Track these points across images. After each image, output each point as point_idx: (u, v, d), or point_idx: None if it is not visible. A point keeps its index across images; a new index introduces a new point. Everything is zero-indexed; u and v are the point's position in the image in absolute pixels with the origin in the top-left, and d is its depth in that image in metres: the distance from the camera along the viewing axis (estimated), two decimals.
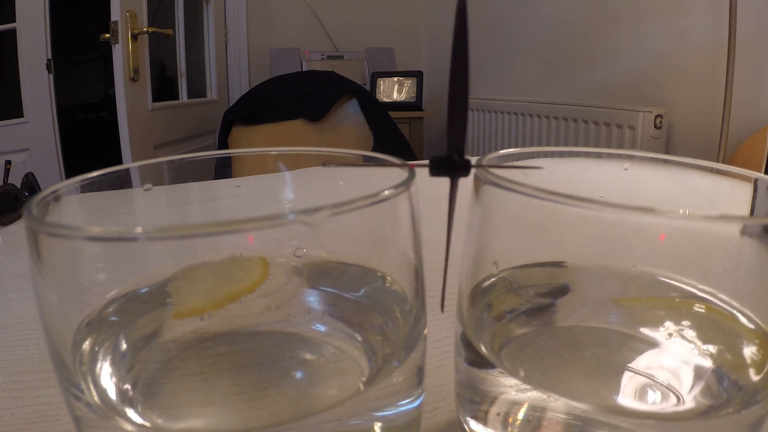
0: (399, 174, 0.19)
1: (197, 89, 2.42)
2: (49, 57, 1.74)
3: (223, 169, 0.25)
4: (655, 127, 1.61)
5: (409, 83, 2.52)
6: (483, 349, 0.20)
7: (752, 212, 0.21)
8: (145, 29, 1.82)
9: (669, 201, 0.24)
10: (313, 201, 0.15)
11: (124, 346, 0.19)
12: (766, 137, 1.29)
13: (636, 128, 1.63)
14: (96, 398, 0.17)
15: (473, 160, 0.19)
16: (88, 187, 0.19)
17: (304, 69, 2.46)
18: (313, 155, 0.24)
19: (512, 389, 0.20)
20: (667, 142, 1.65)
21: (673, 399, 0.19)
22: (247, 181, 0.26)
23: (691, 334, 0.21)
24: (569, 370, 0.21)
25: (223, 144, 1.82)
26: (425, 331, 0.20)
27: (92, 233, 0.15)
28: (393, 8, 2.91)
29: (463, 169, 0.17)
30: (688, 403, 0.19)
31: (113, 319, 0.19)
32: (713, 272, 0.21)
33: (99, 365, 0.18)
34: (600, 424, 0.18)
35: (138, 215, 0.25)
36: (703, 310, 0.21)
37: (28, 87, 1.73)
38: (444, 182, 0.18)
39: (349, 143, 1.82)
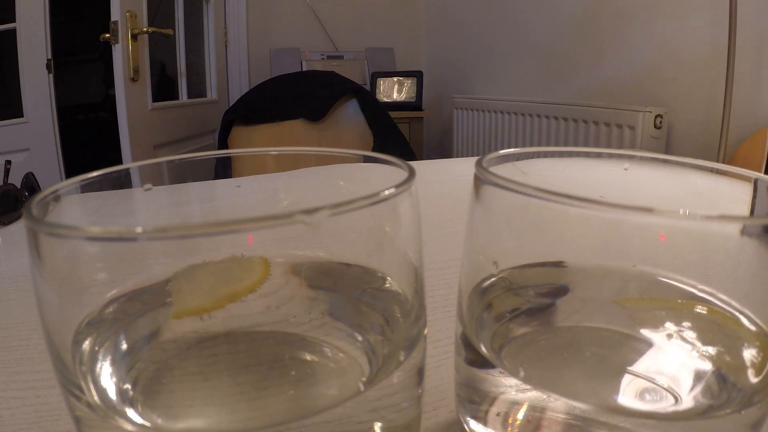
0: (399, 174, 0.19)
1: (197, 89, 2.42)
2: (49, 57, 1.74)
3: (223, 169, 0.25)
4: (655, 127, 1.61)
5: (408, 83, 2.52)
6: (483, 349, 0.20)
7: (752, 212, 0.21)
8: (145, 29, 1.82)
9: (669, 201, 0.24)
10: (313, 201, 0.15)
11: (124, 346, 0.19)
12: (766, 137, 1.29)
13: (636, 128, 1.63)
14: (96, 398, 0.17)
15: (473, 160, 0.19)
16: (88, 187, 0.19)
17: (304, 69, 2.46)
18: (313, 155, 0.24)
19: (512, 389, 0.20)
20: (667, 142, 1.65)
21: (672, 399, 0.19)
22: (247, 181, 0.26)
23: (690, 334, 0.21)
24: (569, 370, 0.21)
25: (223, 144, 1.82)
26: (425, 331, 0.20)
27: (92, 233, 0.15)
28: (393, 8, 2.91)
29: None
30: (688, 404, 0.19)
31: (113, 319, 0.19)
32: (713, 272, 0.21)
33: (99, 365, 0.18)
34: (600, 424, 0.18)
35: (138, 215, 0.25)
36: (703, 311, 0.21)
37: (28, 87, 1.73)
38: (444, 182, 0.18)
39: (349, 143, 1.82)
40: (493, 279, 0.22)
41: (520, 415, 0.19)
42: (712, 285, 0.21)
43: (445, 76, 2.81)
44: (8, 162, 0.61)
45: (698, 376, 0.20)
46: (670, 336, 0.21)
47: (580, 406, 0.18)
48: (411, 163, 0.19)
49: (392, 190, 0.17)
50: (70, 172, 1.86)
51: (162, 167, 0.23)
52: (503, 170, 0.21)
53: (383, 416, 0.18)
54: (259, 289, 0.21)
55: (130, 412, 0.17)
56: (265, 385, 0.19)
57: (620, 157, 0.25)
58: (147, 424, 0.17)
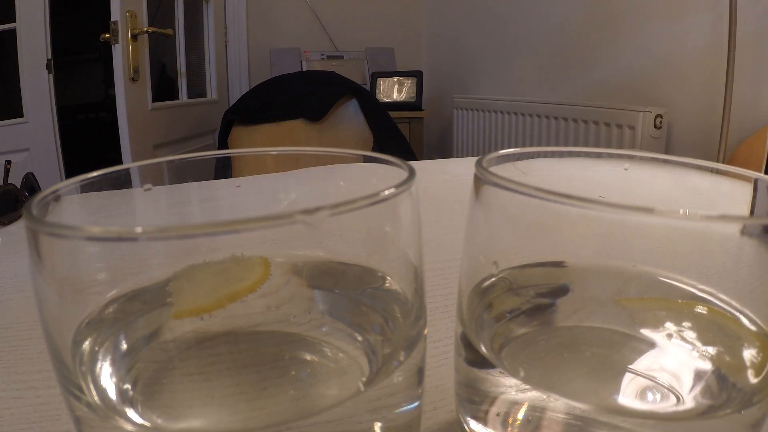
0: (399, 174, 0.19)
1: (197, 89, 2.42)
2: (49, 57, 1.74)
3: (223, 169, 0.25)
4: (655, 127, 1.61)
5: (409, 83, 2.52)
6: (483, 349, 0.20)
7: (752, 212, 0.21)
8: (145, 29, 1.82)
9: (669, 201, 0.24)
10: (313, 201, 0.15)
11: (124, 346, 0.19)
12: (766, 137, 1.29)
13: (636, 128, 1.63)
14: (96, 398, 0.17)
15: (473, 160, 0.19)
16: (88, 187, 0.19)
17: (304, 69, 2.46)
18: (313, 155, 0.24)
19: (512, 389, 0.20)
20: (667, 142, 1.65)
21: (673, 399, 0.19)
22: (247, 181, 0.26)
23: (691, 334, 0.21)
24: (569, 370, 0.21)
25: (223, 144, 1.82)
26: (425, 331, 0.20)
27: (92, 233, 0.15)
28: (393, 8, 2.91)
29: None
30: (688, 404, 0.19)
31: (113, 319, 0.19)
32: (713, 272, 0.21)
33: (99, 365, 0.18)
34: (600, 424, 0.18)
35: (138, 215, 0.25)
36: (703, 311, 0.21)
37: (28, 87, 1.73)
38: (444, 182, 0.18)
39: (349, 143, 1.82)
40: (493, 279, 0.22)
41: (520, 415, 0.19)
42: (712, 285, 0.21)
43: (445, 76, 2.81)
44: (8, 162, 0.61)
45: (698, 376, 0.20)
46: (670, 336, 0.21)
47: (580, 406, 0.18)
48: (411, 163, 0.19)
49: (392, 190, 0.17)
50: (70, 172, 1.86)
51: (162, 167, 0.23)
52: (503, 170, 0.21)
53: (383, 416, 0.18)
54: (259, 289, 0.21)
55: (130, 412, 0.17)
56: (265, 385, 0.19)
57: (620, 157, 0.25)
58: (147, 424, 0.17)
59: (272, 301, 0.21)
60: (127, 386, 0.18)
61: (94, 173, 0.20)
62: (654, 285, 0.22)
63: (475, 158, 0.21)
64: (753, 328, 0.20)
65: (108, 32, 1.72)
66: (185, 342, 0.20)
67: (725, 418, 0.18)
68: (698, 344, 0.20)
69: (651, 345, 0.21)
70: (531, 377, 0.20)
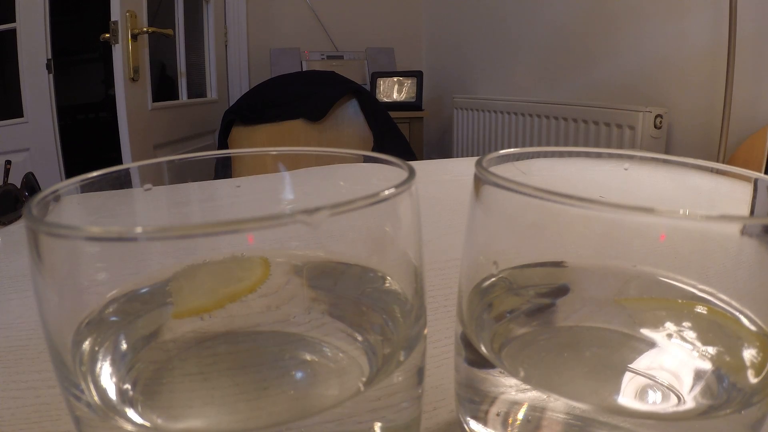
0: (399, 174, 0.19)
1: (197, 89, 2.42)
2: (49, 57, 1.74)
3: (223, 169, 0.25)
4: (655, 127, 1.61)
5: (409, 83, 2.52)
6: (483, 349, 0.20)
7: (752, 212, 0.21)
8: (145, 29, 1.82)
9: (669, 201, 0.24)
10: (313, 201, 0.15)
11: (124, 346, 0.19)
12: (766, 137, 1.29)
13: (636, 128, 1.63)
14: (96, 398, 0.17)
15: (473, 160, 0.19)
16: (88, 187, 0.19)
17: (304, 69, 2.46)
18: (313, 155, 0.24)
19: (512, 389, 0.20)
20: (667, 142, 1.65)
21: (673, 399, 0.19)
22: (247, 181, 0.26)
23: (691, 334, 0.21)
24: (569, 370, 0.21)
25: (223, 144, 1.82)
26: (425, 331, 0.20)
27: (92, 233, 0.15)
28: (393, 8, 2.91)
29: None
30: (688, 404, 0.19)
31: (113, 319, 0.19)
32: (713, 272, 0.21)
33: (99, 365, 0.18)
34: (600, 424, 0.18)
35: (138, 215, 0.25)
36: (703, 311, 0.21)
37: (28, 87, 1.73)
38: (444, 182, 0.18)
39: (349, 143, 1.82)
40: (493, 279, 0.22)
41: (520, 415, 0.19)
42: (712, 285, 0.21)
43: (445, 76, 2.81)
44: (8, 162, 0.61)
45: (698, 376, 0.20)
46: (670, 336, 0.21)
47: (580, 406, 0.18)
48: (411, 163, 0.19)
49: (392, 190, 0.17)
50: (70, 172, 1.86)
51: (162, 167, 0.23)
52: (503, 170, 0.21)
53: (383, 416, 0.18)
54: (259, 289, 0.21)
55: (130, 412, 0.17)
56: (265, 385, 0.19)
57: (620, 157, 0.25)
58: (147, 424, 0.17)
59: (272, 301, 0.21)
60: (127, 386, 0.18)
61: (94, 173, 0.20)
62: (654, 285, 0.22)
63: (475, 158, 0.21)
64: (753, 328, 0.20)
65: (108, 32, 1.72)
66: (185, 342, 0.20)
67: (725, 418, 0.18)
68: (698, 344, 0.20)
69: (651, 345, 0.21)
70: (531, 377, 0.20)
